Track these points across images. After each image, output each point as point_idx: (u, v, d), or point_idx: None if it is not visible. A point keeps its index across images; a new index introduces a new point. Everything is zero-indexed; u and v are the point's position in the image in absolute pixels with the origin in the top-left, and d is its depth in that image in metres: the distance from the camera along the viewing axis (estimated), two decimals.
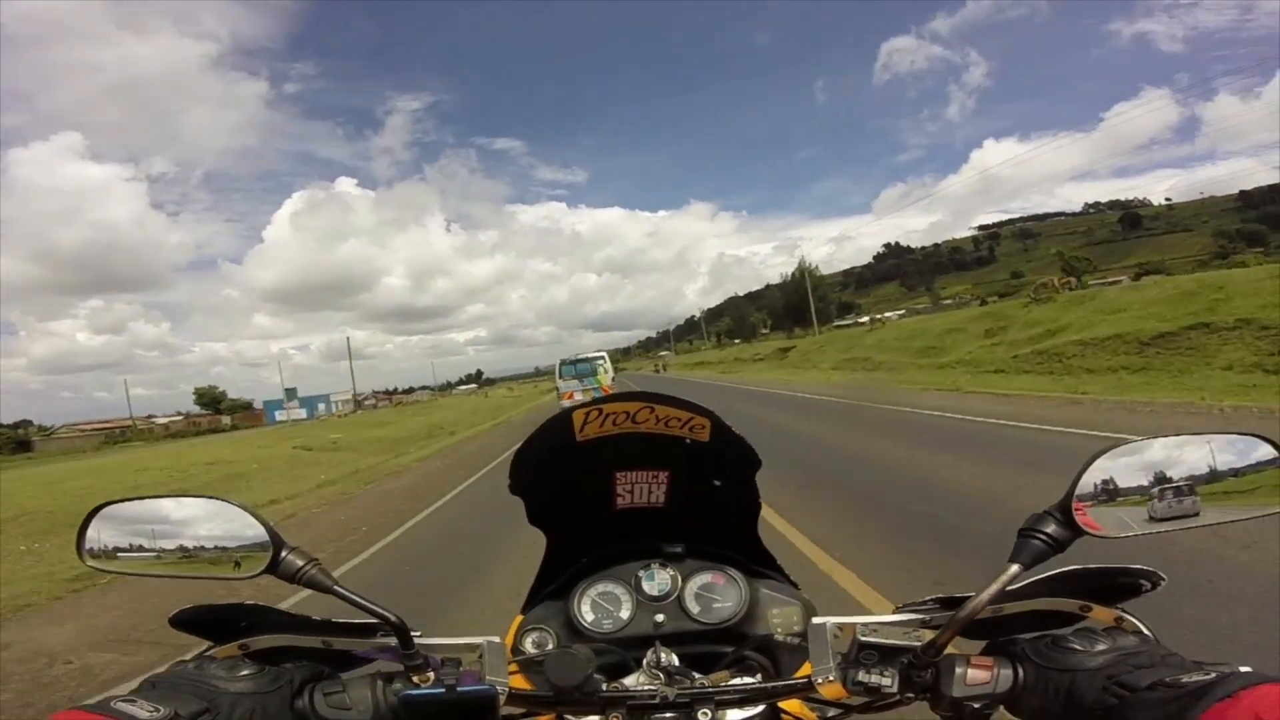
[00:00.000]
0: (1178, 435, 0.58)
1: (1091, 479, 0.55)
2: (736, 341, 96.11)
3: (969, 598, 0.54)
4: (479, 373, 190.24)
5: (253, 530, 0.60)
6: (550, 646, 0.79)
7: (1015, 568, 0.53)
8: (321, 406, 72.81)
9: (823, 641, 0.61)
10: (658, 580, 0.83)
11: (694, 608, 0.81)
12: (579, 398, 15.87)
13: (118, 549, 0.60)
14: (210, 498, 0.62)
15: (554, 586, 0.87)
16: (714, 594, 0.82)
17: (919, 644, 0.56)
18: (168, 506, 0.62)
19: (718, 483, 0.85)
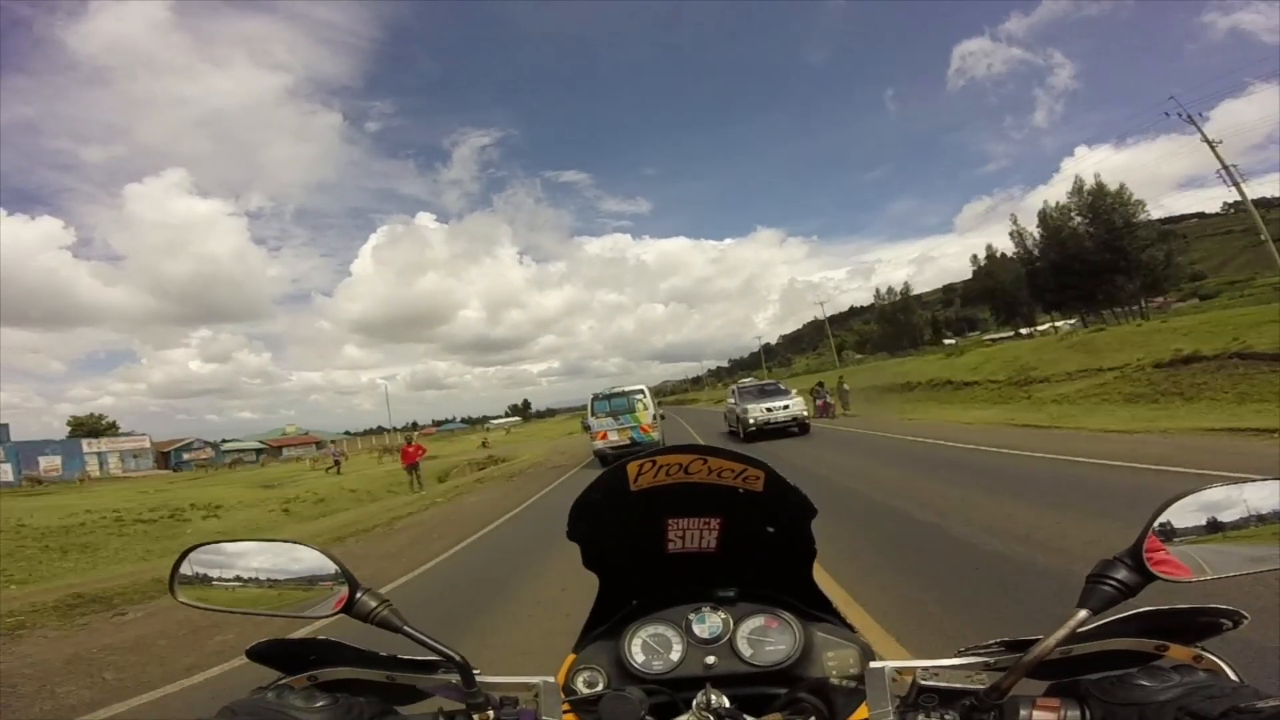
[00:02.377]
0: (1259, 480, 0.57)
1: (1166, 523, 0.55)
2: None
3: (1035, 640, 0.54)
4: (525, 403, 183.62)
5: (330, 572, 0.67)
6: (601, 686, 0.81)
7: (1083, 613, 0.53)
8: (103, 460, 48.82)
9: (881, 685, 0.61)
10: (709, 623, 0.85)
11: (746, 650, 0.82)
12: (614, 439, 14.13)
13: (208, 588, 0.69)
14: (291, 541, 0.71)
15: (605, 627, 0.90)
16: (767, 637, 0.83)
17: (982, 688, 0.56)
18: (253, 549, 0.71)
19: (770, 529, 0.87)
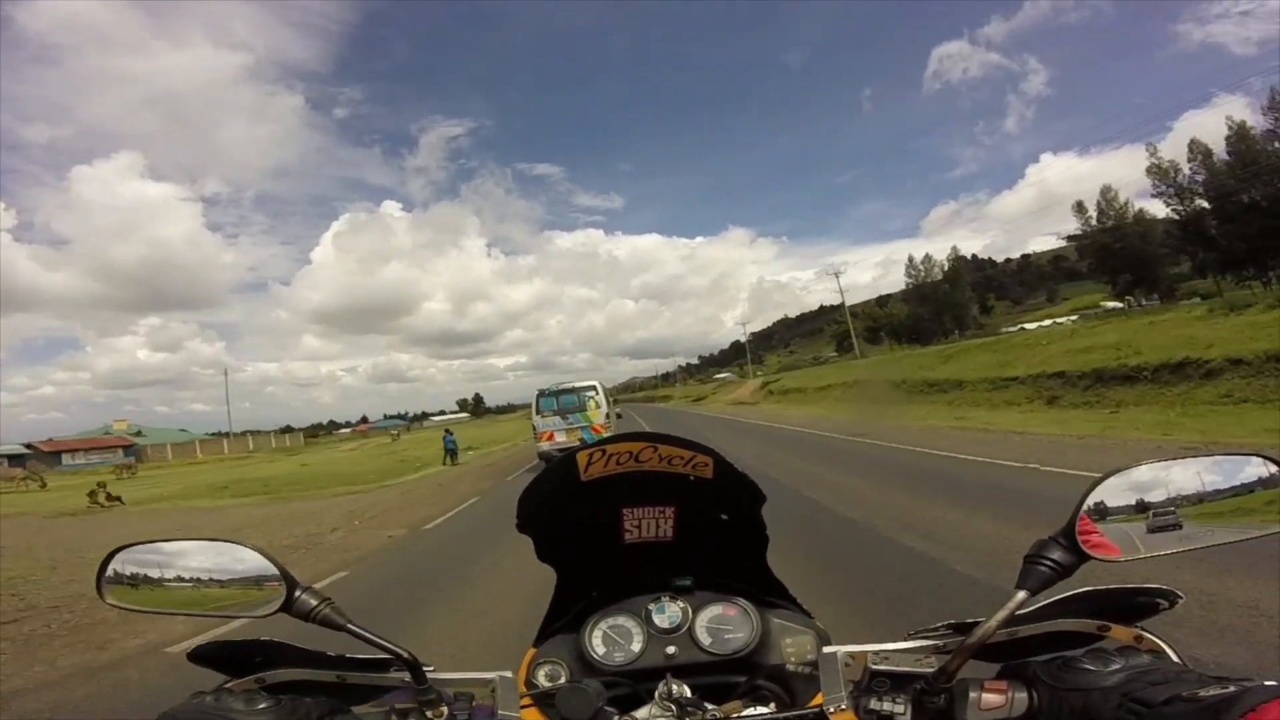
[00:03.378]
0: (1189, 457, 0.59)
1: (1097, 502, 0.57)
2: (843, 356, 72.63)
3: (979, 623, 0.55)
4: (478, 398, 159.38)
5: (267, 571, 0.65)
6: (563, 679, 0.82)
7: (1021, 594, 0.54)
8: None
9: (834, 670, 0.62)
10: (668, 613, 0.86)
11: (705, 639, 0.83)
12: (561, 440, 12.86)
13: (138, 589, 0.66)
14: (226, 540, 0.68)
15: (565, 620, 0.91)
16: (725, 625, 0.85)
17: (931, 670, 0.57)
18: (185, 548, 0.68)
19: (724, 517, 0.89)
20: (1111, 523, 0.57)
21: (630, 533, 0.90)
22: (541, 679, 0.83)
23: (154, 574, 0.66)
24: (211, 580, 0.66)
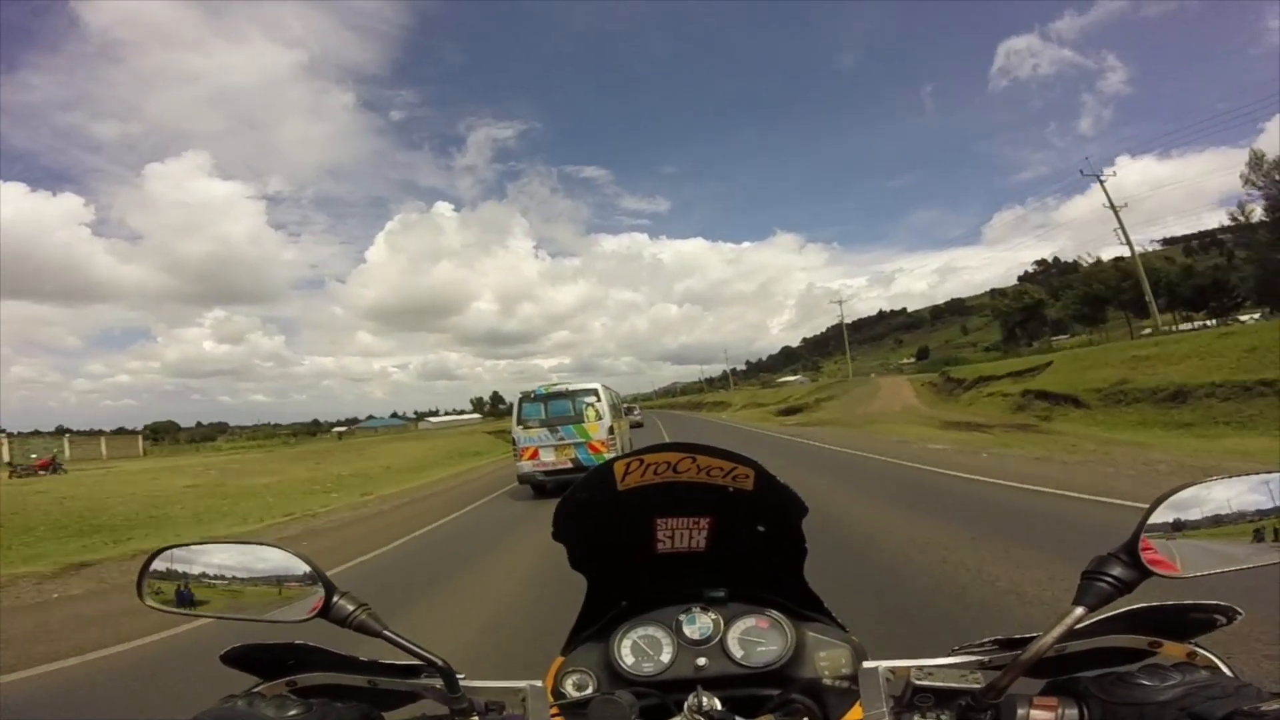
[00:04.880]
0: (1260, 474, 0.57)
1: (1161, 519, 0.56)
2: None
3: (1031, 638, 0.55)
4: (495, 396, 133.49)
5: (306, 576, 0.67)
6: (590, 688, 0.82)
7: (1079, 610, 0.54)
8: None
9: (875, 685, 0.62)
10: (699, 624, 0.85)
11: (737, 651, 0.82)
12: (548, 459, 10.09)
13: (177, 590, 0.69)
14: (266, 544, 0.71)
15: (594, 629, 0.91)
16: (758, 637, 0.84)
17: (977, 686, 0.57)
18: (225, 550, 0.71)
19: (761, 528, 0.88)
20: (1173, 539, 0.57)
21: (663, 543, 0.89)
22: (569, 688, 0.83)
23: (195, 575, 0.69)
24: (251, 583, 0.68)
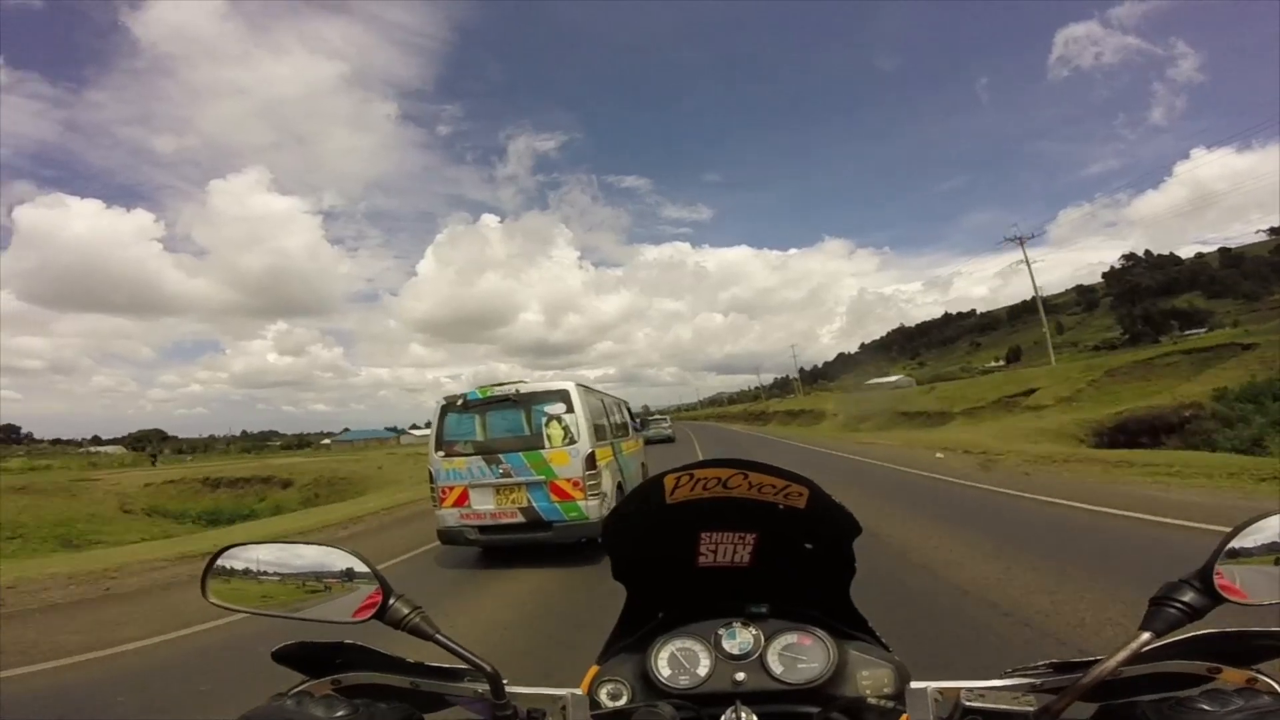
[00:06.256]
0: None
1: (1237, 545, 0.57)
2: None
3: (1091, 662, 0.55)
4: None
5: (363, 577, 0.69)
6: (624, 699, 0.83)
7: (1147, 635, 0.54)
8: None
9: (924, 705, 0.63)
10: (739, 639, 0.86)
11: (777, 667, 0.82)
12: (484, 508, 6.19)
13: (240, 588, 0.73)
14: (326, 545, 0.74)
15: (631, 640, 0.92)
16: (799, 654, 0.84)
17: (1031, 709, 0.57)
18: (287, 550, 0.74)
19: (809, 546, 0.89)
20: (1245, 566, 0.57)
21: (705, 557, 0.90)
22: (604, 697, 0.84)
23: (255, 573, 0.72)
24: (310, 582, 0.71)
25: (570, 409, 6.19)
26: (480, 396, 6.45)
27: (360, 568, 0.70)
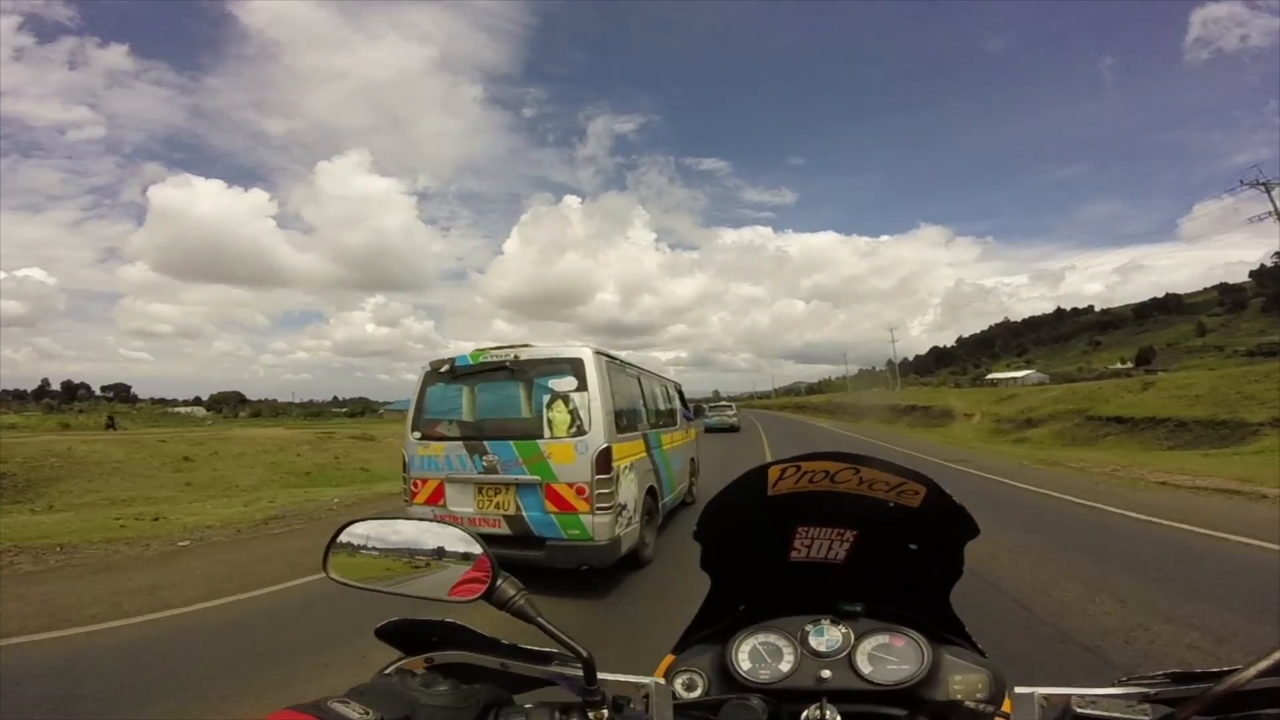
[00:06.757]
0: None
1: None
2: None
3: (1225, 672, 0.53)
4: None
5: (474, 554, 0.69)
6: (700, 690, 0.82)
7: None
8: None
9: (1030, 711, 0.61)
10: (828, 636, 0.84)
11: (865, 667, 0.81)
12: (462, 509, 4.63)
13: (358, 564, 0.73)
14: (443, 522, 0.73)
15: (711, 630, 0.91)
16: (890, 655, 0.82)
17: (1147, 718, 0.55)
18: (405, 526, 0.74)
19: (913, 546, 0.87)
20: None
21: (798, 551, 0.89)
22: (679, 687, 0.83)
23: (375, 549, 0.72)
24: (425, 560, 0.71)
25: (583, 386, 4.47)
26: (471, 362, 4.86)
27: (473, 545, 0.70)
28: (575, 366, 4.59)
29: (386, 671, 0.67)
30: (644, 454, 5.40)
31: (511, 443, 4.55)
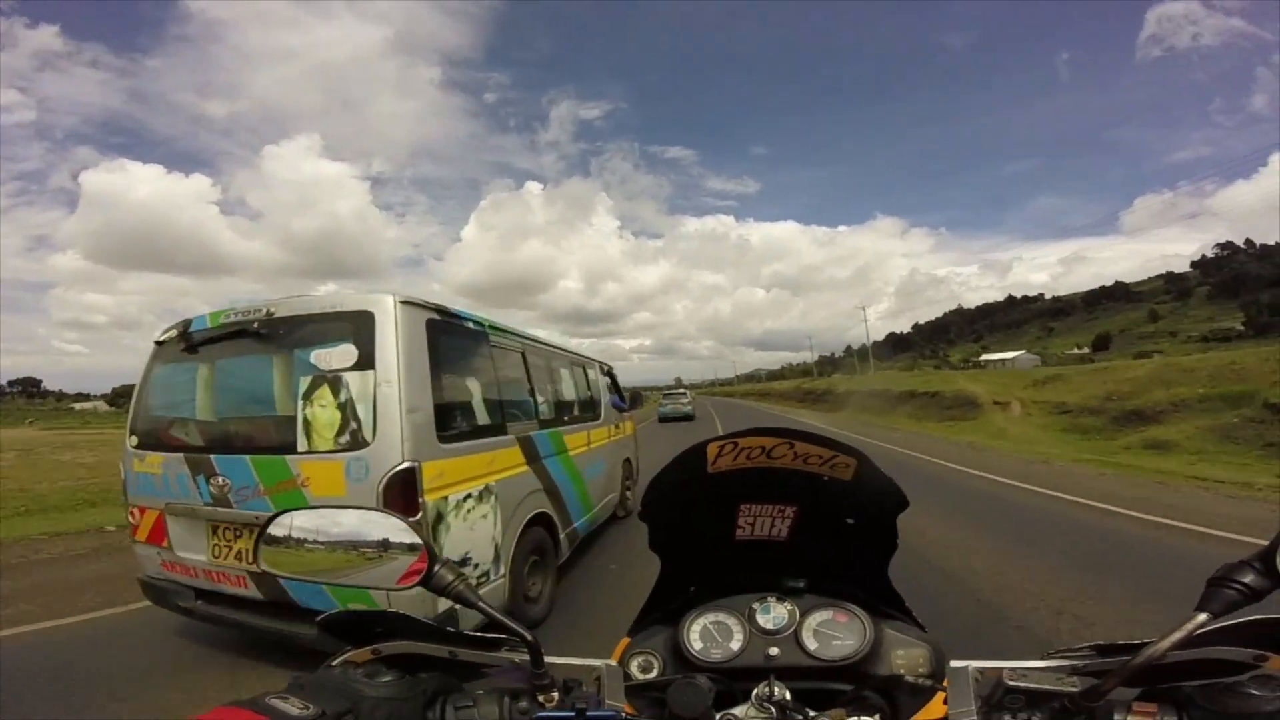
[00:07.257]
0: None
1: None
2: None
3: (1142, 645, 0.54)
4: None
5: (410, 544, 0.69)
6: (655, 671, 0.84)
7: (1203, 616, 0.53)
8: None
9: (964, 684, 0.62)
10: (774, 614, 0.86)
11: (811, 644, 0.83)
12: (191, 555, 2.86)
13: (292, 552, 0.73)
14: (375, 510, 0.73)
15: (663, 612, 0.92)
16: (834, 630, 0.84)
17: (1075, 689, 0.56)
18: (337, 515, 0.73)
19: (850, 520, 0.88)
20: None
21: (743, 529, 0.90)
22: (635, 669, 0.84)
23: (307, 539, 0.72)
24: (358, 548, 0.70)
25: (367, 362, 2.63)
26: (209, 326, 3.06)
27: (409, 535, 0.69)
28: (357, 328, 2.67)
29: (332, 664, 0.67)
30: (521, 469, 3.59)
31: (248, 458, 2.75)
